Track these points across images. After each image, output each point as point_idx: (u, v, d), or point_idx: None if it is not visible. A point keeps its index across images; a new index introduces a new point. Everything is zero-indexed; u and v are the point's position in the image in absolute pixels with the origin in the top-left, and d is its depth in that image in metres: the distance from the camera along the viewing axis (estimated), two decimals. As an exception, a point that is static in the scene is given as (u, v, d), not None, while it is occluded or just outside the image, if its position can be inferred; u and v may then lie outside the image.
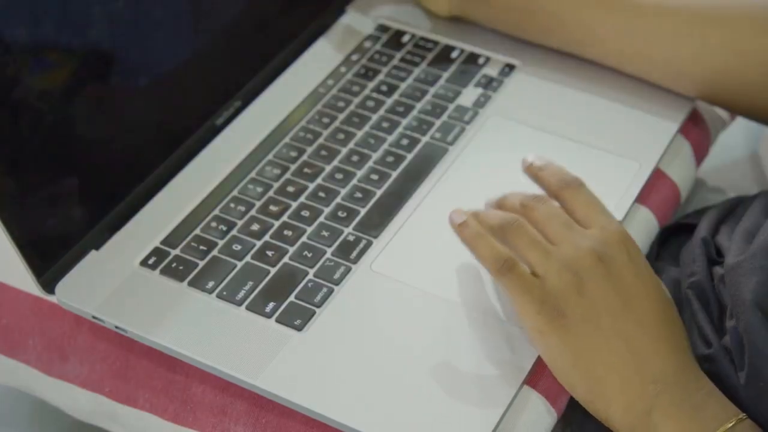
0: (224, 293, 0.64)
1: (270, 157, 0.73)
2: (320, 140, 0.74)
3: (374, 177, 0.71)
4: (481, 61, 0.80)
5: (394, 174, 0.71)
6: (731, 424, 0.56)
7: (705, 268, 0.65)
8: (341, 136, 0.74)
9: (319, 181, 0.71)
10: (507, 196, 0.64)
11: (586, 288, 0.58)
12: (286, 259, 0.66)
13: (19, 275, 0.66)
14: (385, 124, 0.75)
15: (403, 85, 0.78)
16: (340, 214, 0.69)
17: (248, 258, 0.66)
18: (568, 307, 0.57)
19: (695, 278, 0.65)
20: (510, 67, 0.80)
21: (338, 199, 0.70)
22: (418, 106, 0.77)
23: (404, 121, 0.75)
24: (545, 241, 0.60)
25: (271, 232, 0.68)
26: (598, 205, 0.62)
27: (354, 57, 0.81)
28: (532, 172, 0.65)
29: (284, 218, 0.69)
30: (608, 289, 0.58)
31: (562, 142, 0.73)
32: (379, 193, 0.70)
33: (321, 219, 0.68)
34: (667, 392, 0.56)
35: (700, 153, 0.78)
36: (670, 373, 0.57)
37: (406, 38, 0.82)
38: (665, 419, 0.56)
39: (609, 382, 0.57)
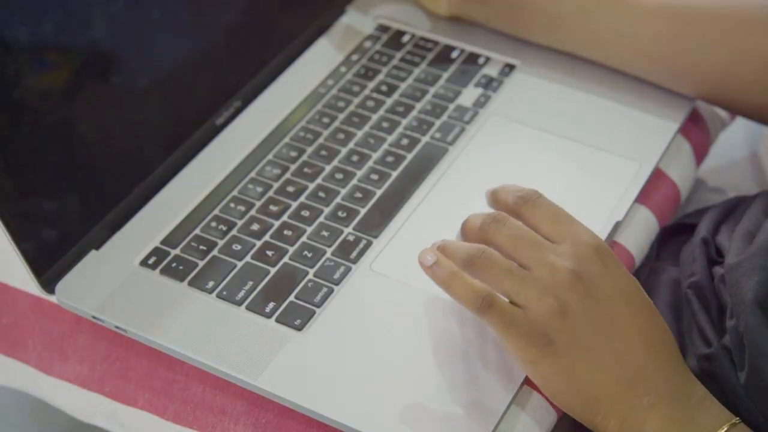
0: (224, 293, 0.64)
1: (270, 157, 0.73)
2: (320, 140, 0.74)
3: (374, 177, 0.71)
4: (481, 61, 0.80)
5: (394, 174, 0.71)
6: (724, 430, 0.55)
7: (705, 268, 0.65)
8: (341, 136, 0.74)
9: (319, 181, 0.71)
10: (467, 220, 0.61)
11: (569, 310, 0.56)
12: (286, 259, 0.66)
13: (19, 275, 0.66)
14: (385, 124, 0.75)
15: (403, 85, 0.78)
16: (340, 214, 0.69)
17: (248, 258, 0.66)
18: (554, 333, 0.56)
19: (695, 278, 0.65)
20: (510, 67, 0.79)
21: (338, 199, 0.70)
22: (418, 106, 0.76)
23: (404, 121, 0.75)
24: (516, 267, 0.57)
25: (271, 232, 0.68)
26: (561, 214, 0.60)
27: (354, 57, 0.81)
28: (489, 197, 0.62)
29: (284, 218, 0.69)
30: (591, 306, 0.56)
31: (562, 142, 0.73)
32: (379, 193, 0.70)
33: (321, 219, 0.68)
34: (659, 403, 0.56)
35: (700, 153, 0.78)
36: (661, 383, 0.57)
37: (406, 38, 0.82)
38: (659, 430, 0.56)
39: (603, 400, 0.56)
